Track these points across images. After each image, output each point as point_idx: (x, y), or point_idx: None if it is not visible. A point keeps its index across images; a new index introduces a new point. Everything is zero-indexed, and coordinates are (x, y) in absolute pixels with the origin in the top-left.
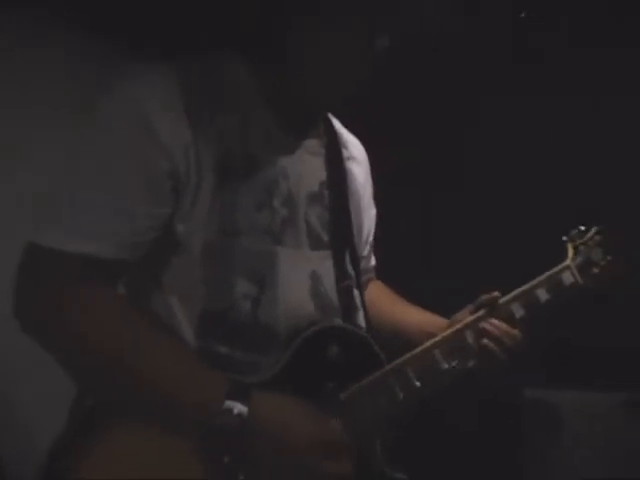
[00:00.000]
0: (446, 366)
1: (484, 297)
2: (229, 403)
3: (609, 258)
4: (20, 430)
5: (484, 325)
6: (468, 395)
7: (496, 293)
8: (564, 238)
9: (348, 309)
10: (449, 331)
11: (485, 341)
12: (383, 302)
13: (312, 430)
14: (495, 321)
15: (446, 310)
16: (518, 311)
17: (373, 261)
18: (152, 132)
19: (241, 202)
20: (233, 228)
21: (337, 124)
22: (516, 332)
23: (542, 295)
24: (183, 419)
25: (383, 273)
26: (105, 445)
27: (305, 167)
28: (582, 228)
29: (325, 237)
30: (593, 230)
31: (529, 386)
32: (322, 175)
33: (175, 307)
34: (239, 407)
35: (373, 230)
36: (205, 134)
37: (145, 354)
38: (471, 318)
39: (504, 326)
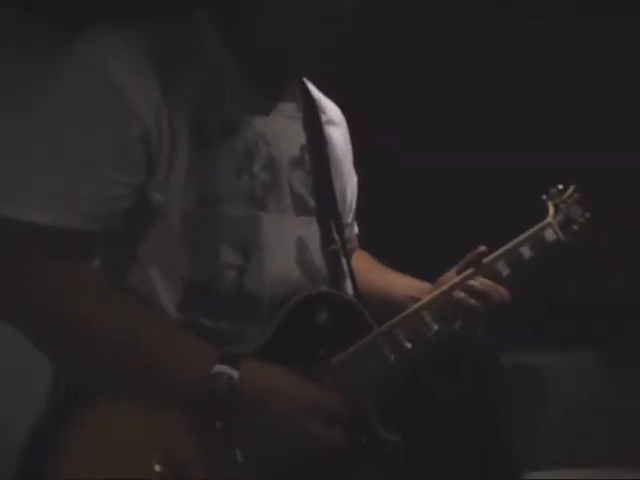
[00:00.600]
0: (436, 327)
1: (470, 255)
2: (219, 367)
3: (587, 215)
4: None
5: (472, 283)
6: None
7: (482, 247)
8: (544, 197)
9: (335, 275)
10: (437, 292)
11: (472, 300)
12: (369, 271)
13: (308, 394)
14: (482, 279)
15: (429, 273)
16: (504, 269)
17: (356, 229)
18: (119, 94)
19: (220, 168)
20: (213, 195)
21: (313, 89)
22: (503, 289)
23: (526, 252)
24: (173, 388)
25: (365, 240)
26: (86, 433)
27: (284, 131)
28: (560, 187)
29: (311, 202)
30: (571, 188)
31: (508, 350)
32: (302, 139)
33: (155, 280)
34: (229, 371)
35: (355, 197)
36: (176, 96)
37: (131, 326)
38: (458, 278)
39: (491, 283)
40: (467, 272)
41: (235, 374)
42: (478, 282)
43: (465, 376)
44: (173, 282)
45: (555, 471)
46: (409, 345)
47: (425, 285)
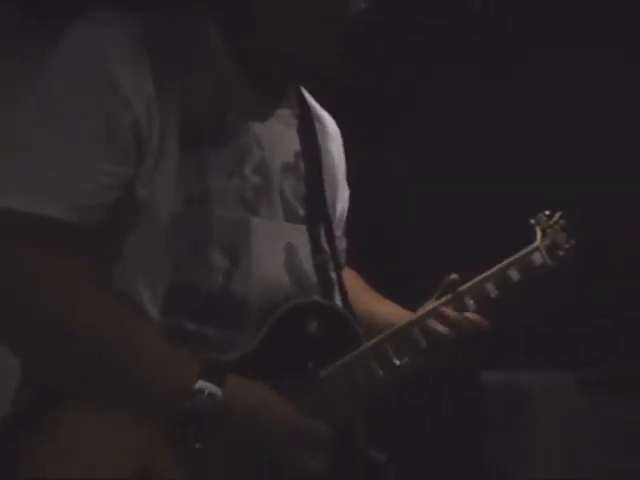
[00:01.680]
0: (424, 344)
1: (444, 282)
2: (201, 383)
3: (572, 242)
4: None
5: (442, 311)
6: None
7: (453, 275)
8: (531, 221)
9: (325, 285)
10: (427, 309)
11: (440, 327)
12: (355, 291)
13: (294, 419)
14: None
15: (414, 295)
16: (493, 291)
17: (344, 244)
18: (112, 80)
19: (210, 167)
20: (202, 194)
21: (310, 98)
22: (475, 318)
23: (514, 275)
24: (151, 401)
25: (354, 255)
26: (55, 441)
27: (279, 137)
28: (547, 212)
29: (300, 210)
30: (557, 215)
31: (487, 369)
32: (296, 146)
33: (138, 282)
34: (211, 388)
35: (346, 210)
36: (170, 91)
37: (113, 332)
38: (445, 299)
39: (455, 314)
40: (454, 294)
41: (218, 392)
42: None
43: (444, 395)
44: (157, 284)
45: None
46: (397, 362)
47: (408, 313)
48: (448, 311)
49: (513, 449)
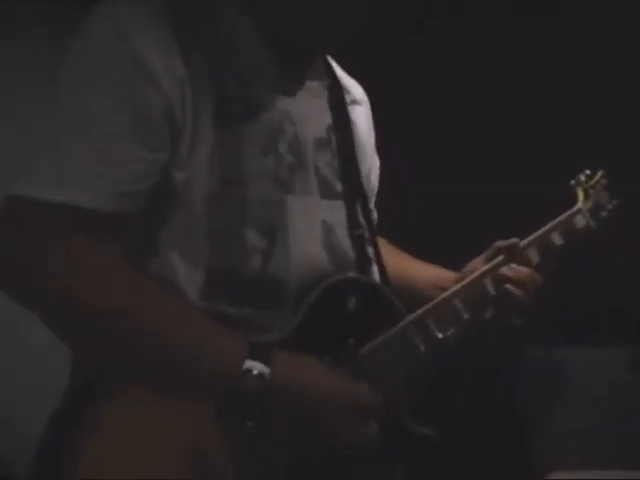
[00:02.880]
0: (467, 316)
1: (500, 243)
2: (249, 363)
3: (614, 202)
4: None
5: (505, 271)
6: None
7: (515, 239)
8: (572, 182)
9: (362, 260)
10: (469, 279)
11: (508, 286)
12: (391, 258)
13: (339, 389)
14: (515, 266)
15: (446, 262)
16: (535, 257)
17: (375, 214)
18: (142, 66)
19: (245, 147)
20: (238, 175)
21: (337, 68)
22: (537, 276)
23: (557, 239)
24: (200, 383)
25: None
26: (107, 428)
27: (310, 111)
28: (588, 172)
29: (337, 185)
30: (599, 174)
31: (532, 345)
32: (328, 119)
33: (176, 267)
34: (260, 367)
35: (377, 181)
36: (200, 71)
37: (157, 315)
38: (489, 265)
39: (525, 270)
40: (497, 260)
41: (266, 370)
42: (511, 269)
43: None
44: (195, 269)
45: (575, 472)
46: (440, 335)
47: (451, 274)
48: (509, 272)
49: (548, 427)
